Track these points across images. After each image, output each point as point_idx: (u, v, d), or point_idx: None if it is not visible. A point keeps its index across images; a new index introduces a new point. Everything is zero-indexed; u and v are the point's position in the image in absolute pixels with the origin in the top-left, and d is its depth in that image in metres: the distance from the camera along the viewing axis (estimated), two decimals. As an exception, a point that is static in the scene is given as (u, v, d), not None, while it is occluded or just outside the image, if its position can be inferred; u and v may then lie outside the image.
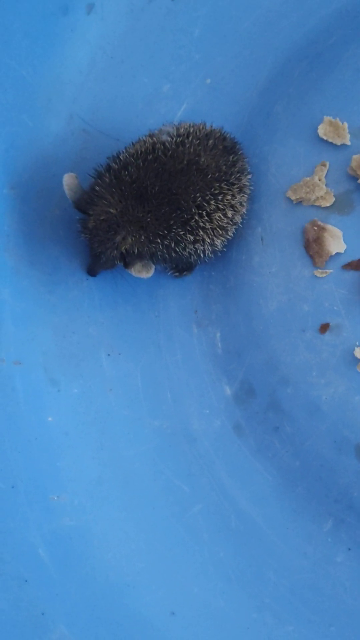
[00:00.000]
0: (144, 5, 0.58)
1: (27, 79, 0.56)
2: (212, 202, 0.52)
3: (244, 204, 0.54)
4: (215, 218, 0.52)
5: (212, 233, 0.53)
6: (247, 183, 0.54)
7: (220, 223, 0.53)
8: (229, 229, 0.54)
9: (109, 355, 0.57)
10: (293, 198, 0.56)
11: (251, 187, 0.55)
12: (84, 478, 0.55)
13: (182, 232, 0.52)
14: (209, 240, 0.53)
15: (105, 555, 0.54)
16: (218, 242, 0.54)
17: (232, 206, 0.53)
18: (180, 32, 0.58)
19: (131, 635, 0.52)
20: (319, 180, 0.56)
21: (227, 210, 0.53)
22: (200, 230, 0.52)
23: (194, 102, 0.58)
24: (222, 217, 0.52)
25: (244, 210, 0.54)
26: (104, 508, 0.54)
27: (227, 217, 0.53)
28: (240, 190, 0.53)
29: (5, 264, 0.56)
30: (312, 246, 0.55)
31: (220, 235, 0.53)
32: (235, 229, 0.55)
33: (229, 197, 0.52)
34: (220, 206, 0.52)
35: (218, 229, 0.53)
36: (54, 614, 0.52)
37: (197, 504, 0.55)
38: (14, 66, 0.56)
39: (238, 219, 0.54)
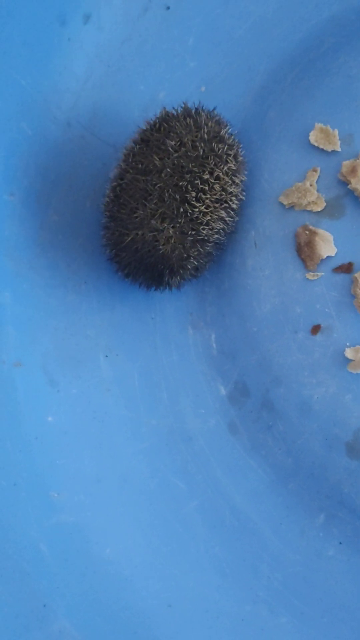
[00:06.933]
0: (140, 14, 0.59)
1: (26, 88, 0.57)
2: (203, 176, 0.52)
3: (235, 171, 0.53)
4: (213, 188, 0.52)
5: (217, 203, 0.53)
6: (229, 152, 0.53)
7: (218, 195, 0.53)
8: (234, 192, 0.53)
9: (106, 356, 0.57)
10: (285, 203, 0.57)
11: (243, 178, 0.55)
12: (83, 475, 0.55)
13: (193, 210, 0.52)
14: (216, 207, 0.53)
15: (104, 549, 0.54)
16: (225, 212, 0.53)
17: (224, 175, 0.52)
18: (175, 41, 0.59)
19: (129, 627, 0.53)
20: (311, 185, 0.56)
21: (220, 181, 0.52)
22: (207, 203, 0.52)
23: (189, 109, 0.59)
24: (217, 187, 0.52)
25: (238, 180, 0.54)
26: (103, 504, 0.55)
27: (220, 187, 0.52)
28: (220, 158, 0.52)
29: (5, 268, 0.56)
30: (303, 250, 0.56)
31: (228, 202, 0.53)
32: (241, 192, 0.54)
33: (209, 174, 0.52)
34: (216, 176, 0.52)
35: (224, 196, 0.53)
36: (55, 606, 0.53)
37: (193, 500, 0.56)
38: (14, 75, 0.57)
39: (234, 189, 0.53)
